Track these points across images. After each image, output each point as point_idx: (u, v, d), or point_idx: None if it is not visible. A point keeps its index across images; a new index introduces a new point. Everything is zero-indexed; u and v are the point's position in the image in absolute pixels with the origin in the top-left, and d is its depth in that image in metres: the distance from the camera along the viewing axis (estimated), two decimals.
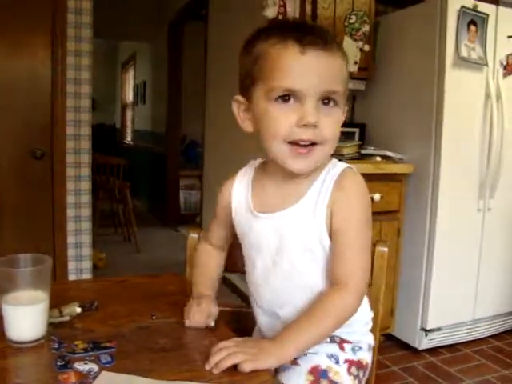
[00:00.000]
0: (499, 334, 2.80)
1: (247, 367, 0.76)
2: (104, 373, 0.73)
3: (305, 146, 0.86)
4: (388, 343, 2.65)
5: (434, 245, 2.49)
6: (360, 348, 1.01)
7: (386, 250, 1.09)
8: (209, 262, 1.13)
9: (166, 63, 5.50)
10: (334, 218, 0.90)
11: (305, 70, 0.84)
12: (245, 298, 1.22)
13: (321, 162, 0.92)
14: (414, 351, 2.58)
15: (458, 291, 2.60)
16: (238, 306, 1.26)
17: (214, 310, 0.96)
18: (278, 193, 0.96)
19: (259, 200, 0.99)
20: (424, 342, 2.57)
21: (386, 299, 2.50)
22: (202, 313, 0.94)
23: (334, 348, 0.98)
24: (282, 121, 0.85)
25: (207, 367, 0.76)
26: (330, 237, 0.91)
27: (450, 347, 2.63)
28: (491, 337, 2.76)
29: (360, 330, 1.02)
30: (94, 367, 0.74)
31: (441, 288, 2.53)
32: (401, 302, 2.64)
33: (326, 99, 0.86)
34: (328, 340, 0.98)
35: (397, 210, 2.54)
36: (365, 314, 1.04)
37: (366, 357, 1.02)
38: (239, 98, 0.93)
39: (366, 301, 1.04)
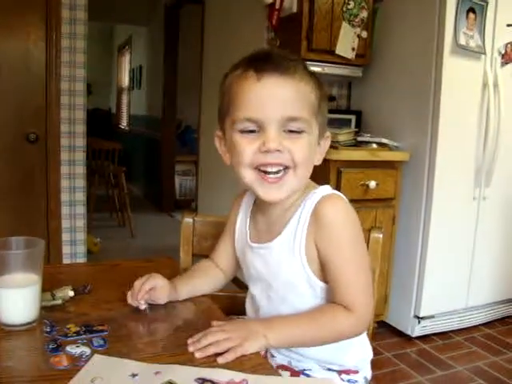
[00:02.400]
0: (491, 322, 2.82)
1: (230, 356, 0.74)
2: (96, 356, 0.73)
3: (274, 173, 0.85)
4: (381, 330, 2.67)
5: (429, 233, 2.50)
6: (356, 381, 0.99)
7: (380, 235, 1.09)
8: (198, 269, 1.08)
9: (163, 47, 5.45)
10: (320, 251, 0.88)
11: (262, 98, 0.83)
12: (240, 285, 1.21)
13: (296, 189, 0.89)
14: (407, 338, 2.61)
15: (451, 279, 2.62)
16: (233, 291, 1.26)
17: (159, 293, 0.93)
18: (267, 222, 0.96)
19: (255, 230, 0.99)
20: (417, 330, 2.59)
21: (380, 286, 2.51)
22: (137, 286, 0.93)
23: (330, 375, 0.97)
24: (246, 148, 0.85)
25: (190, 349, 0.76)
26: (323, 266, 0.89)
27: (443, 334, 2.66)
28: (483, 325, 2.79)
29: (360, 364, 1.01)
30: (87, 350, 0.74)
31: (434, 276, 2.55)
32: (394, 289, 2.65)
33: (290, 127, 0.84)
34: (326, 368, 0.97)
35: (392, 198, 2.54)
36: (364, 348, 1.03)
37: None
38: (218, 132, 0.94)
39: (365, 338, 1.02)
